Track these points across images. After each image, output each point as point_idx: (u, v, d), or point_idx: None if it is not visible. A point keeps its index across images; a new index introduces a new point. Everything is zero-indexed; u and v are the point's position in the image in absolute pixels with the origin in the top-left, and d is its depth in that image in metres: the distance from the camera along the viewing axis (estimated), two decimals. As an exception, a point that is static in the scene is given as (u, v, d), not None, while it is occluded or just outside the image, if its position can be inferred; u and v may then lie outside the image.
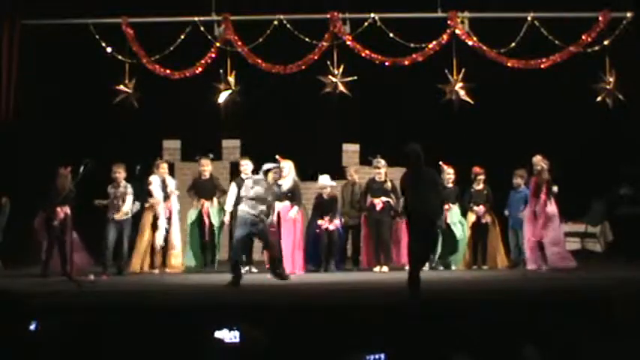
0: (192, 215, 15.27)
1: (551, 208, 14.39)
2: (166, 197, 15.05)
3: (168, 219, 15.04)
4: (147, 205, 14.97)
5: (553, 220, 14.37)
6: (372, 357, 5.84)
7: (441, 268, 14.78)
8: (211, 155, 15.70)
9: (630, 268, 13.51)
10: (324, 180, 14.82)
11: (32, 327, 6.43)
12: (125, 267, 14.76)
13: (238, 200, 13.63)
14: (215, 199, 15.30)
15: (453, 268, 14.94)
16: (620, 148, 16.20)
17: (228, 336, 5.47)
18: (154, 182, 15.01)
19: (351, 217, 15.16)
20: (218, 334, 5.48)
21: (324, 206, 14.77)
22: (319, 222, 14.69)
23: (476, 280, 13.24)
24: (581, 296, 10.21)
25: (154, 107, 16.50)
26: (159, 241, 14.93)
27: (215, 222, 15.15)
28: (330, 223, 14.72)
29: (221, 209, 15.11)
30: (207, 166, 15.36)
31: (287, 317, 8.85)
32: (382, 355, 5.82)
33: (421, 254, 11.38)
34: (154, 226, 14.98)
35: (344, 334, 7.99)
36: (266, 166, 12.95)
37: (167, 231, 15.01)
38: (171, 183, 15.25)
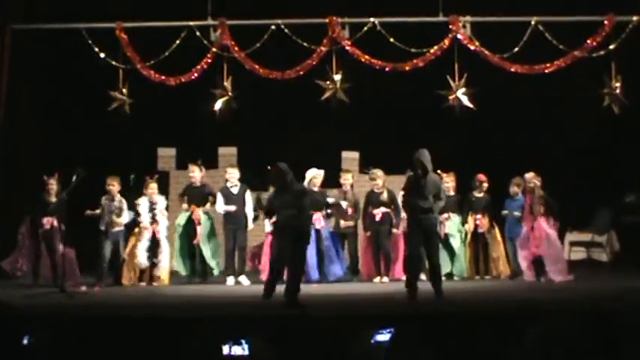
0: (181, 220, 15.33)
1: (548, 225, 14.51)
2: (154, 220, 15.07)
3: (153, 238, 15.04)
4: (134, 225, 15.04)
5: (550, 237, 14.45)
6: (380, 333, 6.34)
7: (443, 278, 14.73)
8: (199, 161, 15.74)
9: (636, 277, 13.64)
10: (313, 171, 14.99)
11: (25, 341, 6.56)
12: (119, 278, 14.88)
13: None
14: (208, 205, 15.39)
15: (456, 278, 15.01)
16: (626, 155, 16.35)
17: (237, 350, 5.55)
18: (142, 205, 15.02)
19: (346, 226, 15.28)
20: (226, 348, 5.56)
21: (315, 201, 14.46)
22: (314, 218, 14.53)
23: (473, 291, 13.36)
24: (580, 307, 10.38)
25: (148, 114, 16.52)
26: (142, 261, 14.97)
27: (205, 229, 15.30)
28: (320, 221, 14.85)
29: (209, 218, 15.36)
30: (193, 172, 15.46)
31: (294, 330, 8.90)
32: (390, 330, 6.25)
33: (417, 260, 11.98)
34: (140, 246, 15.01)
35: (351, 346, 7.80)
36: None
37: (152, 250, 15.02)
38: (161, 203, 15.23)
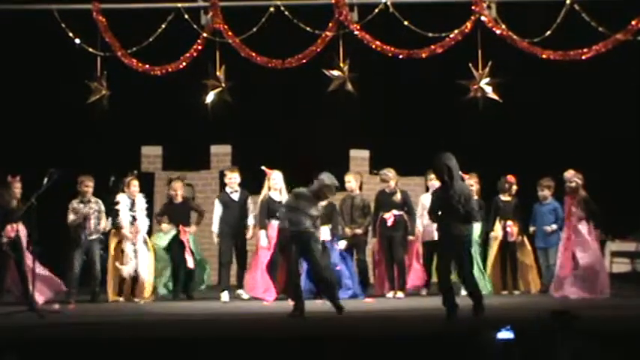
0: (160, 241, 15.11)
1: (588, 231, 14.17)
2: (135, 219, 14.86)
3: (134, 243, 14.86)
4: (112, 228, 14.88)
5: (592, 245, 14.11)
6: (501, 334, 7.35)
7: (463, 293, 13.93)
8: (185, 179, 16.08)
9: None
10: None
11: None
12: (99, 293, 14.66)
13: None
14: (193, 225, 15.32)
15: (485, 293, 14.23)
16: None
17: None
18: (122, 202, 14.80)
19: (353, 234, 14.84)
20: None
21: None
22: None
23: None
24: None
25: (131, 108, 16.59)
26: (127, 269, 14.71)
27: (194, 249, 15.15)
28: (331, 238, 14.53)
29: (196, 238, 15.30)
30: (179, 190, 15.35)
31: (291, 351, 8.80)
32: (511, 333, 7.21)
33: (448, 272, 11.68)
34: (121, 252, 14.86)
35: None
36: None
37: (134, 257, 14.85)
38: (140, 203, 15.03)
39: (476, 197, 14.24)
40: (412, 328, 10.74)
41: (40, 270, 13.70)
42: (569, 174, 14.07)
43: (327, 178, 12.29)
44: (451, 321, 11.18)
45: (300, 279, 12.36)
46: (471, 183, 14.31)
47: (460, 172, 12.14)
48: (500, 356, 7.51)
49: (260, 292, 14.35)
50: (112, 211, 14.71)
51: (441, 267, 11.93)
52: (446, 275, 11.60)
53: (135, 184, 14.88)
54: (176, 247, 14.98)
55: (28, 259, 13.48)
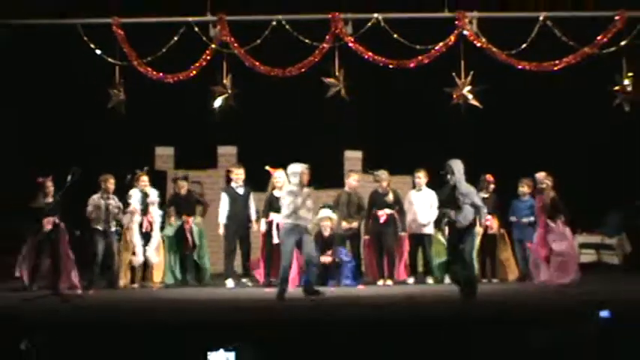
0: (168, 232, 15.42)
1: (560, 226, 14.36)
2: (146, 210, 15.14)
3: (147, 234, 15.14)
4: (126, 222, 15.09)
5: (561, 239, 14.33)
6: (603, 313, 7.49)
7: (447, 281, 14.70)
8: (188, 178, 16.01)
9: None
10: (326, 213, 14.87)
11: (22, 346, 7.04)
12: (117, 280, 14.88)
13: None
14: (198, 216, 15.65)
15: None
16: (638, 157, 16.64)
17: (223, 357, 5.72)
18: (134, 196, 15.09)
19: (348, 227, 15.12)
20: (211, 355, 5.83)
21: (323, 243, 14.67)
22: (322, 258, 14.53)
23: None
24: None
25: (146, 112, 16.70)
26: (138, 258, 15.04)
27: (197, 240, 15.40)
28: (330, 257, 14.71)
29: (202, 229, 15.56)
30: (182, 188, 15.63)
31: (284, 335, 8.84)
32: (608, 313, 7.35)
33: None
34: (132, 244, 15.14)
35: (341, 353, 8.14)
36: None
37: (145, 246, 15.12)
38: (152, 194, 15.32)
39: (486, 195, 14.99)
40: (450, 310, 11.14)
41: (71, 258, 14.07)
42: (541, 176, 14.36)
43: (290, 170, 12.76)
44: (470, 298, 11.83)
45: (290, 265, 12.80)
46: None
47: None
48: (602, 332, 7.89)
49: (262, 275, 14.64)
50: (125, 204, 14.94)
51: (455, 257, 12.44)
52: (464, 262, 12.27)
53: (144, 179, 15.16)
54: (182, 236, 15.32)
55: (63, 248, 13.90)
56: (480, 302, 11.94)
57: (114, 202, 14.75)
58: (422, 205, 15.07)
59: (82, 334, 8.91)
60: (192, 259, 15.33)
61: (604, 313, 8.02)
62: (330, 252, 14.67)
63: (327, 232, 14.70)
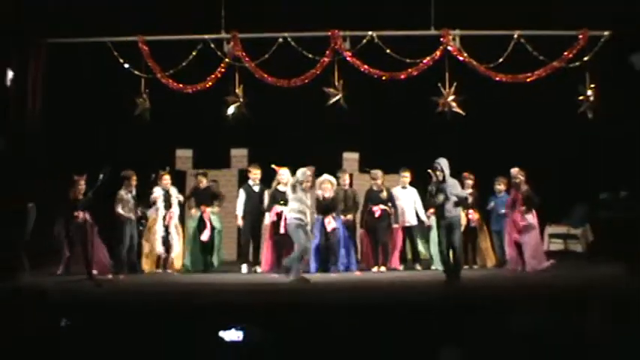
0: (191, 223, 15.83)
1: (531, 217, 14.76)
2: (169, 206, 15.56)
3: (168, 226, 15.56)
4: (151, 213, 15.55)
5: (531, 229, 14.72)
6: None
7: (434, 267, 15.24)
8: (206, 176, 16.18)
9: (608, 266, 13.87)
10: (326, 176, 15.20)
11: (62, 324, 7.02)
12: (138, 265, 15.36)
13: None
14: (216, 208, 15.93)
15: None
16: (600, 157, 16.41)
17: (233, 335, 5.45)
18: (157, 193, 15.52)
19: (345, 220, 15.48)
20: (222, 333, 5.58)
21: (325, 206, 15.15)
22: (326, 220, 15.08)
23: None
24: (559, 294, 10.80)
25: (167, 118, 16.74)
26: (159, 247, 15.51)
27: (217, 226, 15.77)
28: (329, 223, 15.08)
29: (220, 215, 15.91)
30: (202, 183, 15.95)
31: (290, 317, 8.91)
32: None
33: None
34: (155, 234, 15.54)
35: (347, 334, 8.08)
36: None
37: (166, 238, 15.54)
38: (173, 192, 15.75)
39: (471, 190, 15.49)
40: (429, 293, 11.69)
41: (101, 247, 14.64)
42: (514, 171, 14.81)
43: (300, 174, 13.59)
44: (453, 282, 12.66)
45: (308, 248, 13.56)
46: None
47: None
48: None
49: (268, 263, 15.18)
50: (149, 201, 15.41)
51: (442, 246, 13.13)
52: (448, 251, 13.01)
53: (166, 178, 15.58)
54: (202, 225, 15.65)
55: (92, 238, 14.21)
56: (463, 285, 12.62)
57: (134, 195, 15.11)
58: (406, 201, 15.58)
59: (112, 314, 9.08)
60: (210, 245, 15.66)
61: None
62: (333, 215, 15.08)
63: (327, 194, 15.05)
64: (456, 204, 12.99)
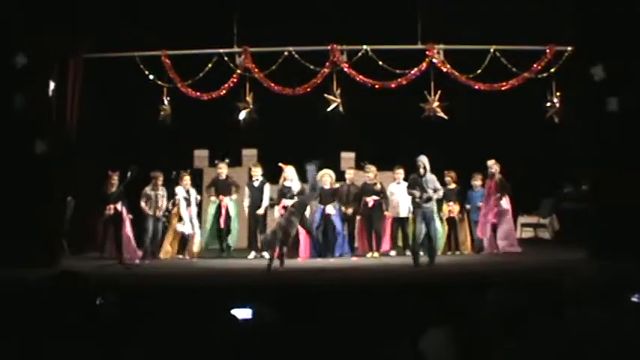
0: (211, 209, 16.19)
1: (505, 203, 15.26)
2: (189, 204, 15.73)
3: (190, 218, 15.74)
4: (173, 209, 15.75)
5: (505, 214, 15.20)
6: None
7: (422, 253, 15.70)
8: (227, 160, 16.67)
9: (573, 251, 13.96)
10: (326, 170, 15.58)
11: (98, 302, 6.71)
12: (159, 252, 15.57)
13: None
14: (234, 196, 16.22)
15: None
16: (565, 156, 16.45)
17: (242, 313, 5.21)
18: (179, 193, 15.76)
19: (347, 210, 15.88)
20: (235, 311, 5.23)
21: (325, 196, 15.51)
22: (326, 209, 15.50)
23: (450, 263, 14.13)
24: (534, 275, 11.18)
25: (186, 123, 16.86)
26: (186, 230, 15.64)
27: (232, 213, 16.10)
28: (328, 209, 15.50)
29: (237, 203, 16.21)
30: (223, 169, 16.40)
31: (300, 298, 8.99)
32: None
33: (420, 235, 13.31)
34: (179, 220, 15.64)
35: (351, 315, 7.26)
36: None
37: (188, 227, 15.70)
38: (192, 192, 15.99)
39: (454, 186, 15.98)
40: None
41: (130, 236, 14.93)
42: (490, 162, 15.39)
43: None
44: (417, 266, 12.99)
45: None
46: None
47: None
48: None
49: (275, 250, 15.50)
50: (172, 198, 15.62)
51: (414, 232, 13.50)
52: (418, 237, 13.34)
53: (186, 179, 15.89)
54: (217, 212, 15.99)
55: (123, 228, 14.70)
56: (443, 268, 13.01)
57: (161, 192, 15.30)
58: (401, 195, 15.68)
59: (140, 294, 9.23)
60: (226, 232, 15.93)
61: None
62: (334, 203, 15.46)
63: (327, 186, 15.47)
64: (429, 199, 13.31)
